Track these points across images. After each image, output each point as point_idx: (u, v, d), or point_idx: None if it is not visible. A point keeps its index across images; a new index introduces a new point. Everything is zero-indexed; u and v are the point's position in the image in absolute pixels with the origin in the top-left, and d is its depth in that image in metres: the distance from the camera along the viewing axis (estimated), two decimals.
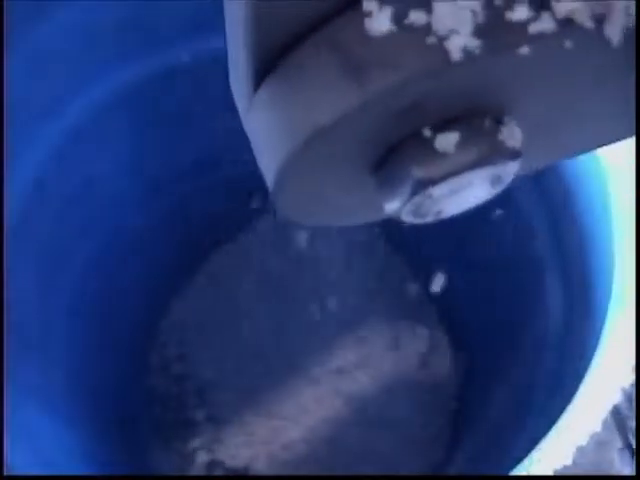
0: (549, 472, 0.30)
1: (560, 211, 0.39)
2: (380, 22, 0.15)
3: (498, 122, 0.17)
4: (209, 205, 0.53)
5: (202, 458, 0.51)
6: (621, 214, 0.35)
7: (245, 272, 0.56)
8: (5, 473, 0.33)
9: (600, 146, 0.22)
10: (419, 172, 0.17)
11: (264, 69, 0.17)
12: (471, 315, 0.46)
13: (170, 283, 0.56)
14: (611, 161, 0.35)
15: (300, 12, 0.16)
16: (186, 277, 0.57)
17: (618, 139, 0.21)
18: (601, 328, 0.33)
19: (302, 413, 0.52)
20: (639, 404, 0.34)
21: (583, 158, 0.34)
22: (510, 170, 0.18)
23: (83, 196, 0.45)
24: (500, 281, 0.42)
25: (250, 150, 0.18)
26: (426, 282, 0.54)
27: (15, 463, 0.33)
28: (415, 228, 0.21)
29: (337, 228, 0.52)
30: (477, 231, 0.40)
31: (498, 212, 0.36)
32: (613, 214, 0.35)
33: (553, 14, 0.16)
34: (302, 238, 0.55)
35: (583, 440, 0.30)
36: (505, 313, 0.43)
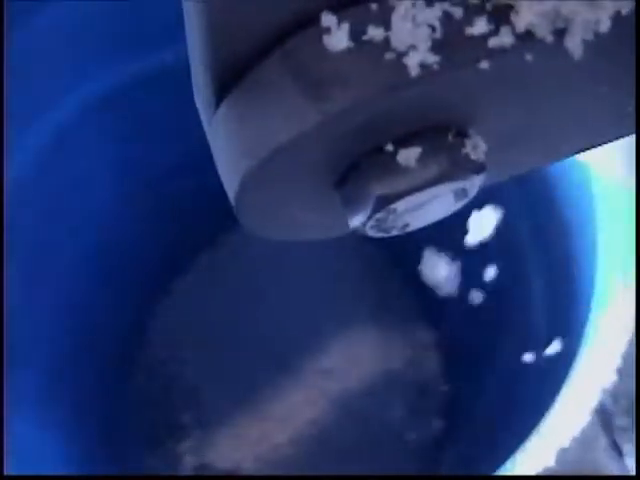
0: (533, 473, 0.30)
1: (541, 202, 0.39)
2: (338, 38, 0.15)
3: (462, 136, 0.17)
4: (198, 205, 0.53)
5: (191, 459, 0.51)
6: (606, 210, 0.35)
7: (234, 273, 0.56)
8: (5, 473, 0.33)
9: (573, 154, 0.22)
10: (380, 189, 0.17)
11: (224, 88, 0.17)
12: (459, 314, 0.46)
13: (159, 284, 0.56)
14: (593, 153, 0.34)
15: (260, 26, 0.16)
16: (175, 278, 0.57)
17: (592, 146, 0.21)
18: (584, 328, 0.33)
19: (291, 414, 0.52)
20: (639, 404, 0.34)
21: None
22: (475, 183, 0.17)
23: (70, 196, 0.45)
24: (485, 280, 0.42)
25: None
26: (413, 282, 0.54)
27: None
28: None
29: None
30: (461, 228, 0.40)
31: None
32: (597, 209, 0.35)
33: (513, 28, 0.15)
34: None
35: (565, 442, 0.30)
36: (490, 312, 0.43)
